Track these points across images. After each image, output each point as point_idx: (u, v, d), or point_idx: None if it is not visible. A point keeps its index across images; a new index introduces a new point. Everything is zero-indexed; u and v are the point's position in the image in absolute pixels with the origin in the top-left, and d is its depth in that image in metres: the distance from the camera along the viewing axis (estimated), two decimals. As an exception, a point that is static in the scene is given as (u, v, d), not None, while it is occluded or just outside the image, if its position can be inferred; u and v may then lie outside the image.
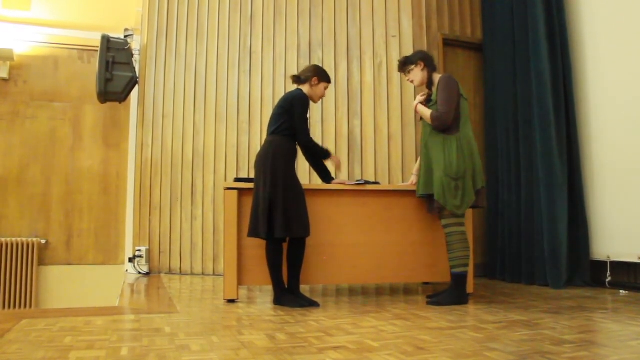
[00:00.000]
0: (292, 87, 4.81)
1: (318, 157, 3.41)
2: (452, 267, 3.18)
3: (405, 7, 4.91)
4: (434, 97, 3.29)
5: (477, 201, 3.22)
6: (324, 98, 3.68)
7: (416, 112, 3.38)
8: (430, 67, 3.37)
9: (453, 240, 3.17)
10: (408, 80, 3.46)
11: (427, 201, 3.40)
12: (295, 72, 4.90)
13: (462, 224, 3.20)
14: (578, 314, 2.79)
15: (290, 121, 3.19)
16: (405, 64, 3.42)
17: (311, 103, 3.36)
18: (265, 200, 3.03)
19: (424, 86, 3.40)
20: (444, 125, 3.17)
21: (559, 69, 4.26)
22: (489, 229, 4.86)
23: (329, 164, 3.51)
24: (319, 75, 3.36)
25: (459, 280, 3.15)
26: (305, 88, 3.34)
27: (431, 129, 3.27)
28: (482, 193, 3.24)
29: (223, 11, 5.12)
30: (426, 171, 3.26)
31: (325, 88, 3.41)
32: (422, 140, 3.37)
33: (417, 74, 3.37)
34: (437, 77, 3.35)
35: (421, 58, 3.37)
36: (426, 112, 3.27)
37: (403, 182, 4.61)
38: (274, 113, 3.27)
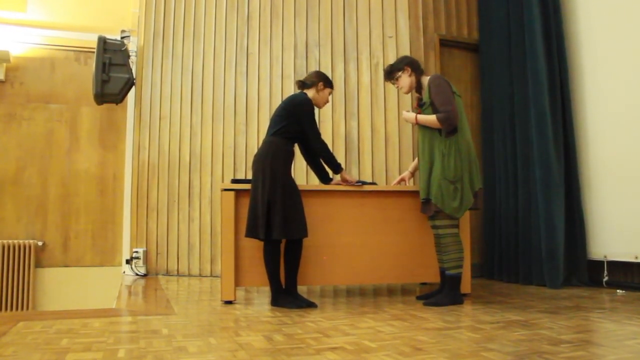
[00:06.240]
0: (288, 87, 4.89)
1: (331, 166, 3.32)
2: (447, 268, 3.18)
3: (401, 8, 4.91)
4: (425, 99, 3.24)
5: (474, 203, 3.20)
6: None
7: (417, 122, 3.23)
8: (417, 71, 3.32)
9: (448, 242, 3.17)
10: (396, 87, 3.41)
11: (422, 202, 3.34)
12: (292, 73, 4.93)
13: (456, 226, 3.21)
14: (575, 313, 2.79)
15: (292, 124, 3.17)
16: (391, 72, 3.36)
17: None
18: (264, 201, 3.03)
19: (413, 91, 3.36)
20: (453, 123, 3.12)
21: (555, 69, 4.27)
22: (486, 229, 4.87)
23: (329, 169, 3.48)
24: (325, 80, 3.36)
25: (454, 281, 3.16)
26: (310, 93, 3.32)
27: (424, 132, 3.23)
28: (479, 195, 3.22)
29: (220, 12, 5.12)
30: (426, 175, 3.22)
31: (330, 94, 3.41)
32: (419, 144, 3.31)
33: (405, 80, 3.32)
34: (425, 79, 3.30)
35: (407, 63, 3.31)
36: (430, 118, 3.16)
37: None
38: (276, 114, 3.24)
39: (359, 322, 2.56)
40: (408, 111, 3.39)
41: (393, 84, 3.42)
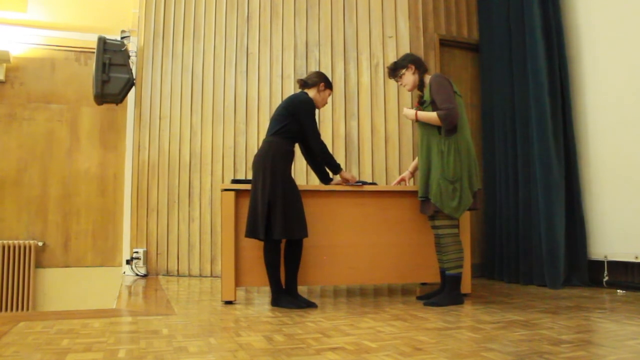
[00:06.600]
0: (288, 87, 4.89)
1: (329, 167, 3.31)
2: (447, 268, 3.18)
3: (401, 8, 4.91)
4: (426, 97, 3.25)
5: (473, 203, 3.19)
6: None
7: (417, 120, 3.25)
8: (420, 69, 3.33)
9: (448, 242, 3.17)
10: (400, 85, 3.44)
11: (420, 201, 3.34)
12: (292, 73, 4.93)
13: (456, 226, 3.21)
14: (576, 313, 2.79)
15: (292, 124, 3.17)
16: (395, 69, 3.38)
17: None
18: (264, 202, 3.03)
19: (415, 89, 3.37)
20: (454, 121, 3.12)
21: (555, 69, 4.27)
22: (487, 229, 4.87)
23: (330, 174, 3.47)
24: (326, 81, 3.37)
25: (455, 281, 3.16)
26: (311, 92, 3.33)
27: (423, 131, 3.25)
28: (478, 195, 3.22)
29: (219, 12, 5.12)
30: (424, 174, 3.24)
31: (329, 95, 3.42)
32: (419, 143, 3.32)
33: (409, 77, 3.34)
34: (428, 78, 3.32)
35: (411, 61, 3.33)
36: (430, 115, 3.16)
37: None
38: (276, 114, 3.24)
39: (359, 322, 2.56)
40: (409, 108, 3.39)
41: (397, 81, 3.44)
